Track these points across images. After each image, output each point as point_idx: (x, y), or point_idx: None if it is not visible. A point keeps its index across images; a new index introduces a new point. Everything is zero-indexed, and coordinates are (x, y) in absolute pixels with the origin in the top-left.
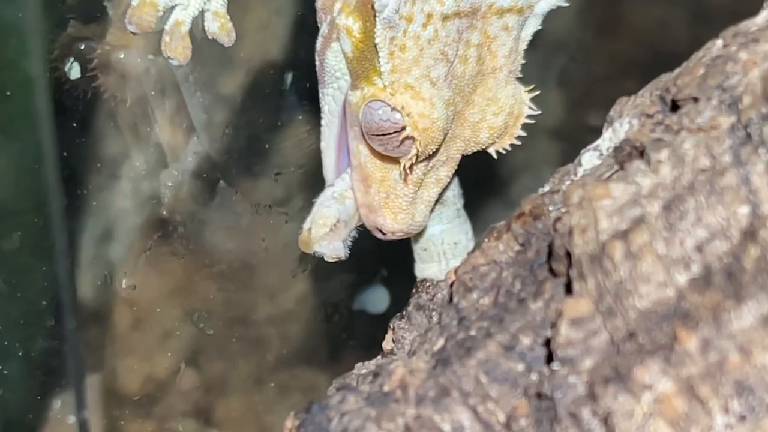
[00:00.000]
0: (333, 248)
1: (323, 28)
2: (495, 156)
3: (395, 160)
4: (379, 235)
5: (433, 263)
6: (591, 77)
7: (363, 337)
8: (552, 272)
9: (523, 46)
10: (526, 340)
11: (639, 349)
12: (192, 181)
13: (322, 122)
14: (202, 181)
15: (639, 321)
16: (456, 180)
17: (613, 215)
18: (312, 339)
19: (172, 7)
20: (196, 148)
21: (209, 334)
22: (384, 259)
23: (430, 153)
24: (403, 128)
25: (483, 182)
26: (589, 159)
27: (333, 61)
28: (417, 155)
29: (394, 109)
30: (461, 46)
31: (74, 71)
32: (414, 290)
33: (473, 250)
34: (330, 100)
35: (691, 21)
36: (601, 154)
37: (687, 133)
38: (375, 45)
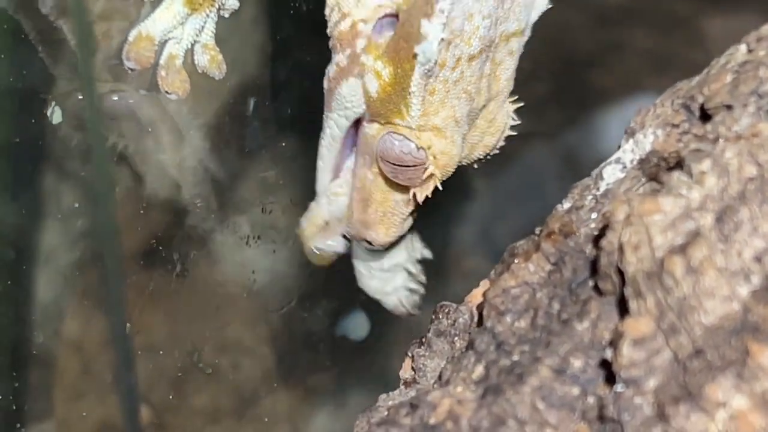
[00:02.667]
0: (330, 244)
1: (340, 58)
2: (476, 166)
3: (400, 187)
4: (364, 245)
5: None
6: None
7: (346, 364)
8: (597, 291)
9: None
10: (576, 363)
11: (708, 366)
12: (172, 213)
13: (322, 143)
14: (177, 214)
15: (706, 337)
16: None
17: (667, 230)
18: (296, 368)
19: (165, 42)
20: (177, 180)
21: (198, 367)
22: None
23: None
24: (424, 165)
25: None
26: (611, 172)
27: (347, 93)
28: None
29: (419, 147)
30: (479, 80)
31: (56, 116)
32: (433, 316)
33: (501, 273)
34: (333, 125)
35: (592, 23)
36: (625, 167)
37: (726, 142)
38: (403, 90)
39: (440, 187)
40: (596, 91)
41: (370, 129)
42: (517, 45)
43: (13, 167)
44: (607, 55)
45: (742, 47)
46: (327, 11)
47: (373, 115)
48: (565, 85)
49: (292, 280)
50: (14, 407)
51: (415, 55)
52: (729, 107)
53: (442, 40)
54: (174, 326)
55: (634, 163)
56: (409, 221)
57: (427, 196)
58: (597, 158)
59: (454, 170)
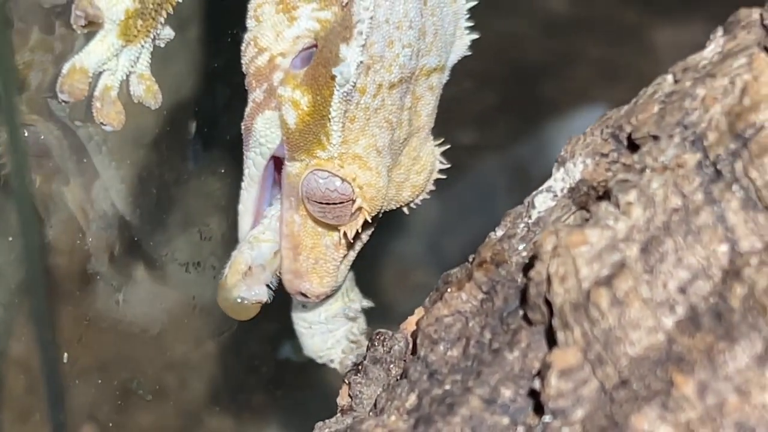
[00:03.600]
0: (254, 293)
1: (256, 94)
2: (407, 212)
3: (329, 227)
4: (299, 299)
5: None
6: (453, 94)
7: (289, 386)
8: (527, 320)
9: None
10: (507, 392)
11: (634, 396)
12: (109, 241)
13: (242, 185)
14: (119, 241)
15: (631, 368)
16: None
17: (593, 261)
18: (240, 390)
19: (100, 73)
20: (108, 209)
21: (138, 394)
22: None
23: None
24: (351, 199)
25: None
26: (542, 201)
27: (261, 127)
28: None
29: (343, 180)
30: (401, 111)
31: None
32: (369, 343)
33: (435, 301)
34: (251, 164)
35: (541, 34)
36: (555, 195)
37: (652, 173)
38: (323, 118)
39: (369, 220)
40: (546, 102)
41: (292, 168)
42: (437, 81)
43: None
44: (557, 65)
45: (669, 77)
46: (242, 47)
47: (292, 149)
48: (515, 95)
49: None
50: None
51: (333, 77)
52: (656, 138)
53: (361, 62)
54: (114, 351)
55: (565, 191)
56: (344, 269)
57: (358, 235)
58: (547, 170)
59: (382, 207)
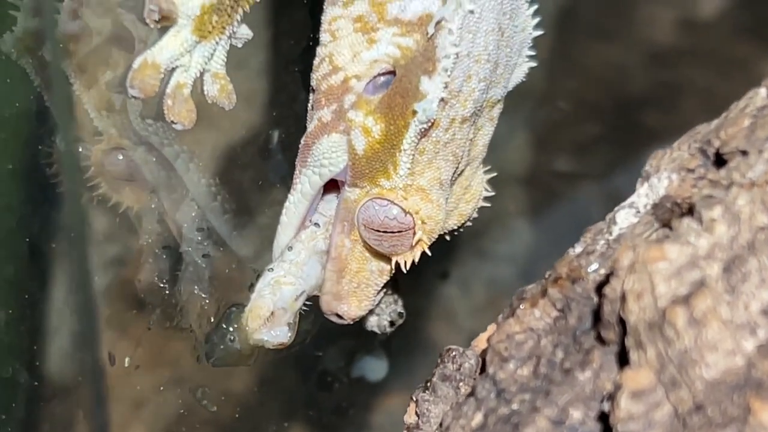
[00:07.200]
0: (275, 335)
1: (323, 113)
2: (448, 238)
3: (377, 254)
4: (334, 319)
5: None
6: (554, 122)
7: (363, 405)
8: (600, 340)
9: None
10: (576, 414)
11: (708, 422)
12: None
13: (290, 198)
14: (192, 248)
15: (707, 392)
16: None
17: (671, 279)
18: (310, 408)
19: (173, 69)
20: (188, 214)
21: (202, 405)
22: None
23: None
24: (412, 230)
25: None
26: (624, 217)
27: (326, 149)
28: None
29: (406, 212)
30: (466, 144)
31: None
32: (439, 360)
33: (506, 317)
34: (305, 180)
35: (646, 63)
36: (638, 212)
37: (739, 189)
38: (393, 148)
39: (429, 253)
40: (648, 132)
41: (351, 194)
42: (497, 112)
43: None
44: (661, 96)
45: (762, 91)
46: (316, 61)
47: (355, 175)
48: (617, 125)
49: (307, 318)
50: None
51: (414, 112)
52: (744, 153)
53: (442, 99)
54: (180, 363)
55: (648, 207)
56: (381, 294)
57: (398, 270)
58: None
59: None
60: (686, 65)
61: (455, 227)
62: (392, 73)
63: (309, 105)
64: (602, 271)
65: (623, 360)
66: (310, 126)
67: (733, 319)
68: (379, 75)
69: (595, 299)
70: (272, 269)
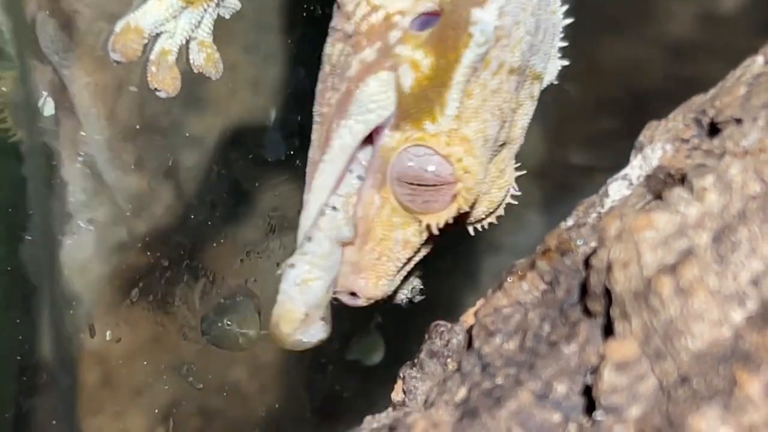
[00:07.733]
0: (313, 334)
1: (366, 54)
2: (472, 233)
3: (405, 221)
4: (347, 299)
5: None
6: (569, 115)
7: (358, 389)
8: (587, 312)
9: None
10: (561, 388)
11: (693, 394)
12: (173, 228)
13: (325, 156)
14: (185, 227)
15: (692, 364)
16: None
17: (658, 248)
18: (304, 391)
19: (157, 35)
20: (177, 192)
21: (197, 388)
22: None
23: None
24: (450, 182)
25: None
26: (617, 189)
27: (375, 90)
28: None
29: (447, 160)
30: (511, 106)
31: (48, 107)
32: (426, 336)
33: (494, 291)
34: (346, 133)
35: (665, 58)
36: (631, 184)
37: (732, 158)
38: (442, 85)
39: (467, 208)
40: None
41: (391, 140)
42: (537, 91)
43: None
44: (677, 90)
45: (759, 59)
46: (350, 7)
47: (400, 116)
48: (632, 119)
49: None
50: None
51: (470, 35)
52: (738, 121)
53: (497, 27)
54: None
55: (641, 179)
56: (397, 280)
57: (418, 250)
58: None
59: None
60: (703, 60)
61: (483, 216)
62: (436, 14)
63: (324, 71)
64: (592, 244)
65: (609, 332)
66: (350, 71)
67: (721, 289)
68: (424, 14)
69: (584, 272)
70: (293, 265)
